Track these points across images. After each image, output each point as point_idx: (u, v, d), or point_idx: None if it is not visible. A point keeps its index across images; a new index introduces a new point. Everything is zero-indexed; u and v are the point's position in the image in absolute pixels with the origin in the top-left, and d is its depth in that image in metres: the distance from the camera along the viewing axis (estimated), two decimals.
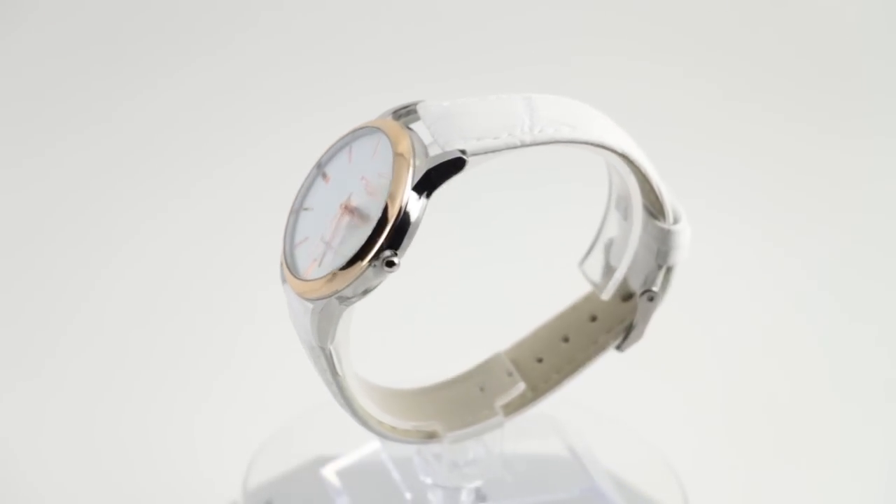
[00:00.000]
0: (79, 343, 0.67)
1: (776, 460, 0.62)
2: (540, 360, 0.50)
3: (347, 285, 0.42)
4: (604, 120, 0.45)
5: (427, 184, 0.42)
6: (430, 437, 0.49)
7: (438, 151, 0.42)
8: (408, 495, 0.51)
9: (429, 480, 0.51)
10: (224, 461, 0.59)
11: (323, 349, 0.44)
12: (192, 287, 0.70)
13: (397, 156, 0.42)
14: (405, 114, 0.43)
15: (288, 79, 0.83)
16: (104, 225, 0.74)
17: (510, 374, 0.50)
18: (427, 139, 0.43)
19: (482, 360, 0.50)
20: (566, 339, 0.50)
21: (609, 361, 0.51)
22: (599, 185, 0.49)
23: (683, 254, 0.47)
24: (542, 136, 0.42)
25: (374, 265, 0.42)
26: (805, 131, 0.80)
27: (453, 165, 0.42)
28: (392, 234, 0.41)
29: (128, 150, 0.78)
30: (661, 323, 0.49)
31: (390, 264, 0.41)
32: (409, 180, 0.41)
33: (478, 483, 0.51)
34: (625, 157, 0.44)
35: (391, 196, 0.41)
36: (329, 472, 0.53)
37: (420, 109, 0.43)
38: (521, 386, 0.50)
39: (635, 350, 0.50)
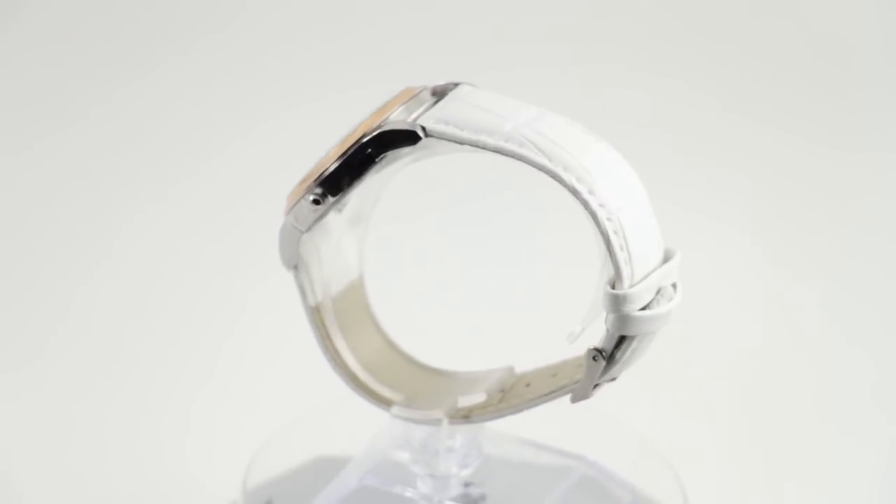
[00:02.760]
0: (78, 342, 0.67)
1: (775, 460, 0.62)
2: (528, 385, 0.49)
3: (290, 209, 0.46)
4: (605, 162, 0.43)
5: (377, 143, 0.44)
6: (384, 402, 0.50)
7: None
8: (398, 479, 0.52)
9: (405, 457, 0.51)
10: (224, 461, 0.59)
11: (288, 269, 0.48)
12: (192, 286, 0.71)
13: (369, 118, 0.45)
14: (444, 88, 0.45)
15: (282, 74, 0.83)
16: (98, 223, 0.74)
17: (491, 383, 0.50)
18: None
19: (495, 367, 0.51)
20: (555, 375, 0.49)
21: None
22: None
23: (634, 328, 0.43)
24: (505, 147, 0.43)
25: (305, 198, 0.45)
26: (804, 145, 0.80)
27: (404, 136, 0.44)
28: (327, 174, 0.45)
29: (118, 148, 0.78)
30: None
31: (315, 202, 0.45)
32: (364, 136, 0.44)
33: (464, 474, 0.51)
34: (576, 196, 0.42)
35: (340, 144, 0.45)
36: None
37: (457, 89, 0.45)
38: (481, 396, 0.49)
39: None
